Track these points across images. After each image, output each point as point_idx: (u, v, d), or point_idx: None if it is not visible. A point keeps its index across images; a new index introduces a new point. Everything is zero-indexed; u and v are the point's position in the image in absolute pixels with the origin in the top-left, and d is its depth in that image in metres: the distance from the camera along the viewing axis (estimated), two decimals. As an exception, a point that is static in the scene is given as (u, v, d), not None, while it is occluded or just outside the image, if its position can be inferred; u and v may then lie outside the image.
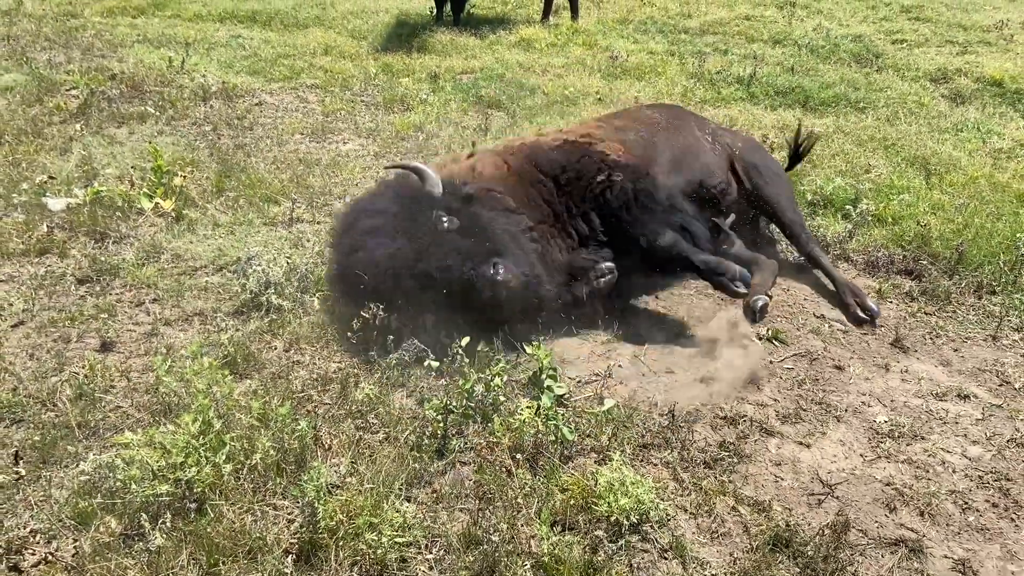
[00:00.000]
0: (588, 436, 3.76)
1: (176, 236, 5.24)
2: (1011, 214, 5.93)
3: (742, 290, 4.51)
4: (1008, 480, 3.71)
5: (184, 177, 5.69)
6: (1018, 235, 5.46)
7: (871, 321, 4.86)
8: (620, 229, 4.68)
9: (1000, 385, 4.40)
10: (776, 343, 4.66)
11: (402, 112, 7.82)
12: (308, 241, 5.30)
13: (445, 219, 4.27)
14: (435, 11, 11.05)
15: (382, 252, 4.11)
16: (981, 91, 8.89)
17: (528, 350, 4.02)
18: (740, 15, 11.57)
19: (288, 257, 4.94)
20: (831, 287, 5.17)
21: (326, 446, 3.46)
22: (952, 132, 7.73)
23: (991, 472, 3.75)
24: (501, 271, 4.05)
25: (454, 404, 3.70)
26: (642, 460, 3.70)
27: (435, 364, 4.06)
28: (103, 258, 4.94)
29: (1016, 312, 4.96)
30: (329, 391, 3.93)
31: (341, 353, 4.26)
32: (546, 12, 11.46)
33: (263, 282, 4.55)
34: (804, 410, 4.12)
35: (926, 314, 5.00)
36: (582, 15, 11.44)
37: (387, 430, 3.67)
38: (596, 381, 4.23)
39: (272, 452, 3.28)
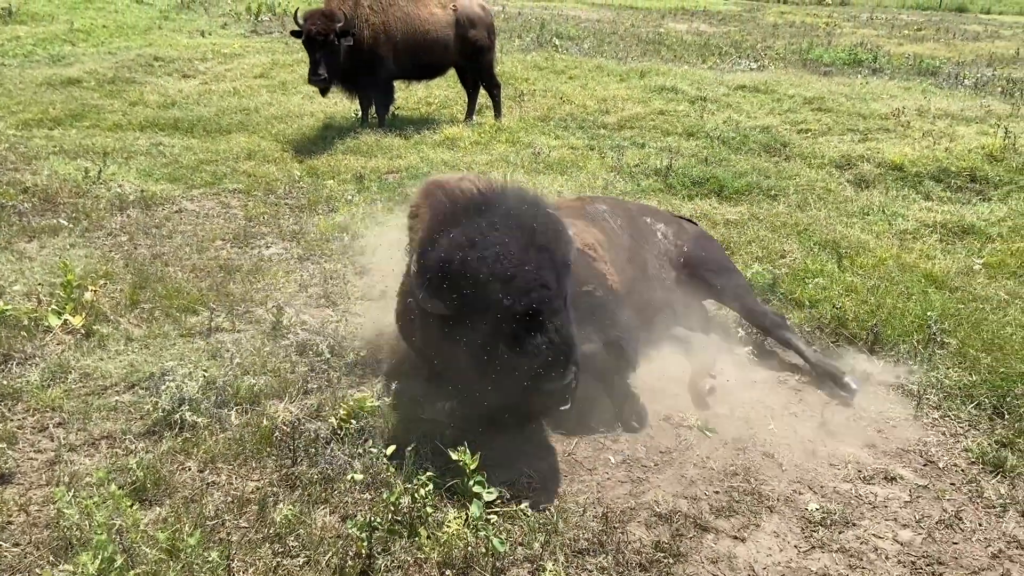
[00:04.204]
0: (520, 544, 3.64)
1: (85, 354, 5.01)
2: (920, 293, 6.16)
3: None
4: (940, 564, 3.72)
5: (95, 291, 5.49)
6: (928, 314, 5.66)
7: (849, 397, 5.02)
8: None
9: (925, 465, 4.45)
10: (707, 432, 4.65)
11: (327, 213, 7.80)
12: (227, 352, 5.14)
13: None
14: (360, 113, 11.21)
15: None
16: (884, 175, 9.37)
17: (454, 456, 3.91)
18: (655, 110, 12.06)
19: (205, 370, 4.77)
20: (807, 367, 5.29)
21: (240, 577, 3.25)
22: (859, 215, 8.09)
23: (923, 556, 3.76)
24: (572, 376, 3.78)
25: (379, 520, 3.54)
26: (577, 567, 3.59)
27: (359, 477, 3.92)
28: (5, 381, 4.67)
29: (933, 390, 5.09)
30: (246, 513, 3.73)
31: (260, 470, 4.07)
32: (470, 112, 11.75)
33: (176, 399, 4.37)
34: (737, 502, 4.09)
35: (848, 396, 5.07)
36: (504, 113, 11.75)
37: (308, 553, 3.49)
38: (529, 483, 4.13)
39: (180, 588, 3.06)
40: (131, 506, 3.46)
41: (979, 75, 15.74)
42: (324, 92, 10.44)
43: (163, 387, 4.47)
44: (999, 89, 14.64)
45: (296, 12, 10.10)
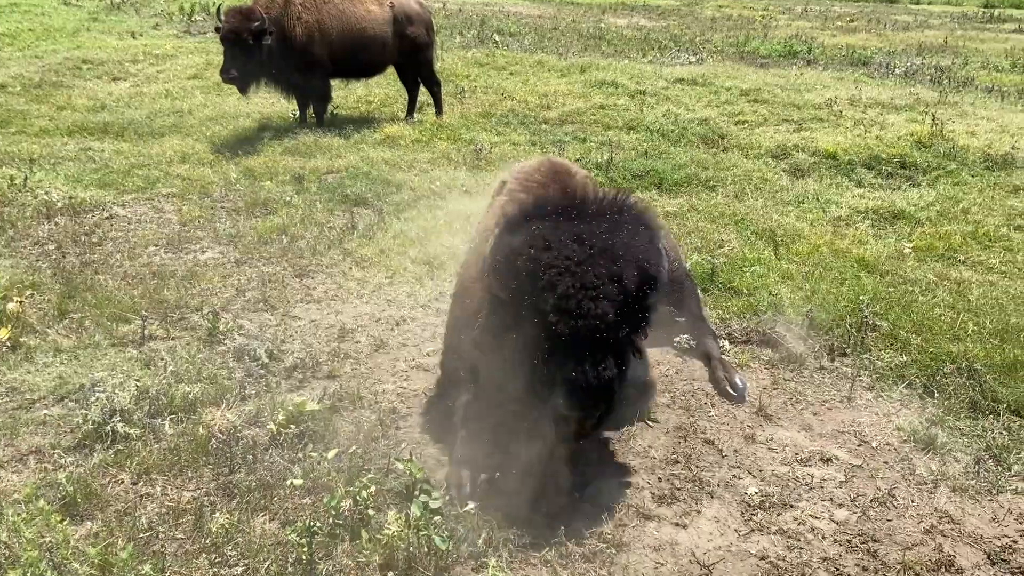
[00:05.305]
0: (463, 542, 3.62)
1: (11, 367, 4.84)
2: (853, 278, 6.31)
3: None
4: (875, 541, 3.81)
5: (21, 302, 5.31)
6: (861, 298, 5.80)
7: (739, 399, 4.94)
8: None
9: (859, 445, 4.56)
10: (649, 423, 4.69)
11: (265, 216, 7.66)
12: (161, 360, 5.01)
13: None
14: (298, 113, 11.05)
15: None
16: (818, 164, 9.58)
17: (401, 466, 3.87)
18: (595, 105, 12.14)
19: (137, 380, 4.64)
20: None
21: (174, 590, 3.18)
22: (795, 204, 8.25)
23: (858, 534, 3.84)
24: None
25: (319, 524, 3.49)
26: (521, 561, 3.59)
27: (299, 482, 3.85)
28: (-75, 399, 4.50)
29: (866, 372, 5.22)
30: (182, 524, 3.64)
31: (197, 480, 3.98)
32: (410, 110, 11.67)
33: (107, 410, 4.24)
34: (679, 489, 4.13)
35: (785, 380, 5.18)
36: (446, 111, 11.70)
37: (246, 562, 3.42)
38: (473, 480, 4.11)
39: (111, 604, 2.98)
40: (61, 522, 3.38)
41: (909, 64, 16.20)
42: (242, 91, 10.26)
43: (93, 399, 4.33)
44: (928, 77, 15.09)
45: (219, 8, 9.94)
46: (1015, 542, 3.84)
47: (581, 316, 3.40)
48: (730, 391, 4.98)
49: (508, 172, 4.78)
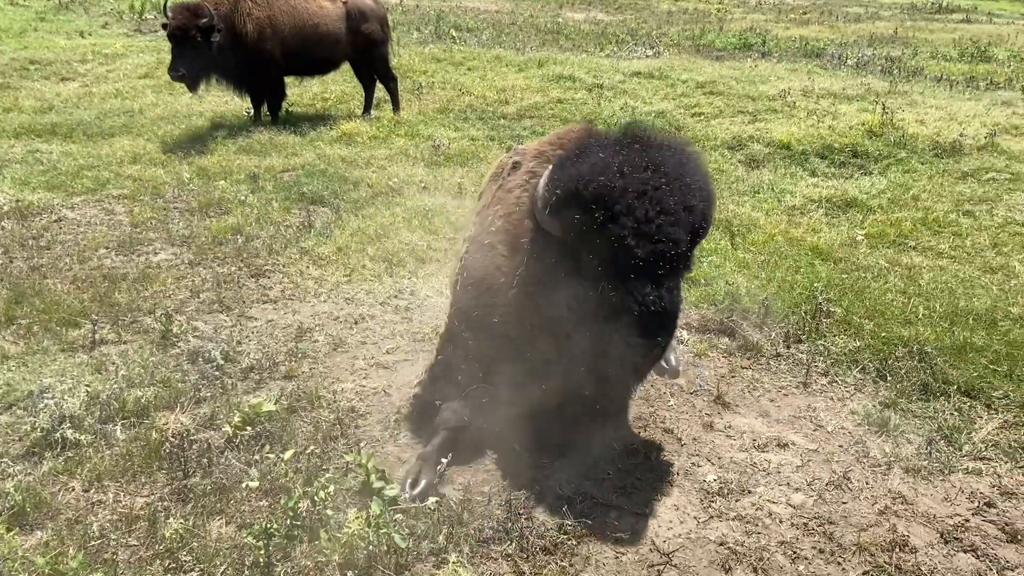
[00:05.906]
0: (424, 539, 3.60)
1: (-45, 376, 4.71)
2: (807, 266, 6.40)
3: None
4: (831, 523, 3.86)
5: (-36, 309, 5.17)
6: (815, 285, 5.89)
7: (672, 374, 4.96)
8: None
9: (815, 430, 4.63)
10: (610, 414, 4.69)
11: (219, 216, 7.54)
12: (112, 364, 4.90)
13: None
14: (252, 112, 10.89)
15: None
16: (772, 154, 9.70)
17: (348, 457, 3.84)
18: (553, 99, 12.15)
19: (88, 385, 4.54)
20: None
21: (126, 598, 3.11)
22: (751, 194, 8.35)
23: (815, 518, 3.90)
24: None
25: (277, 526, 3.45)
26: (482, 556, 3.58)
27: (255, 484, 3.80)
28: None
29: (821, 358, 5.29)
30: (135, 531, 3.57)
31: (150, 485, 3.91)
32: (367, 106, 11.57)
33: (56, 416, 4.14)
34: (639, 479, 4.15)
35: (743, 368, 5.23)
36: (403, 107, 11.62)
37: (202, 567, 3.36)
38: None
39: (60, 615, 2.91)
40: (9, 531, 3.29)
41: (860, 55, 16.47)
42: (191, 89, 10.09)
43: (41, 405, 4.23)
44: (879, 68, 15.35)
45: (165, 4, 9.76)
46: (967, 520, 3.93)
47: (661, 240, 3.39)
48: (663, 365, 4.93)
49: (514, 153, 4.65)
